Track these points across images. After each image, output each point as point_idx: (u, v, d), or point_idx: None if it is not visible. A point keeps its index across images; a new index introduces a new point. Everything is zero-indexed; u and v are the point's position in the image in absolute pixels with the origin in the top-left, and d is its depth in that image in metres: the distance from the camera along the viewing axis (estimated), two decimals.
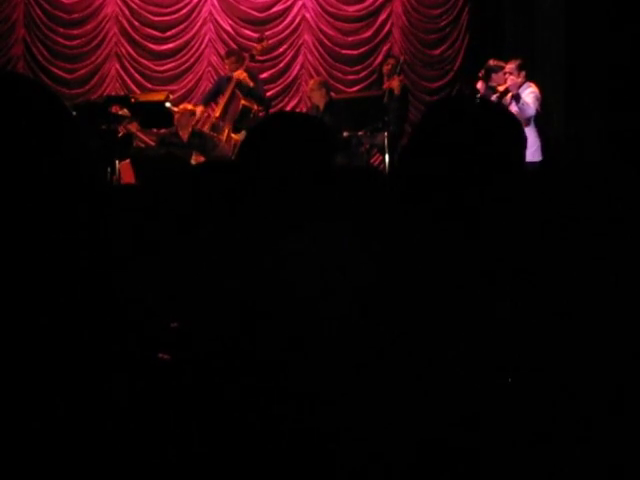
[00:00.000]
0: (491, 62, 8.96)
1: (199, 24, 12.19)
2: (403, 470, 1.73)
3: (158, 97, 9.04)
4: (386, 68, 10.57)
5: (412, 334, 1.78)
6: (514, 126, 2.01)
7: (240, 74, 9.88)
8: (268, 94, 11.28)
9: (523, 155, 2.03)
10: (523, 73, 8.61)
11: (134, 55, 12.16)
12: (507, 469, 1.76)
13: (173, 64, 12.20)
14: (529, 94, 8.42)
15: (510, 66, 8.64)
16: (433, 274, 1.81)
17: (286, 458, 1.79)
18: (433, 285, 1.81)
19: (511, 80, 8.50)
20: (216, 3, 12.13)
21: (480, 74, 8.94)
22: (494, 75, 8.78)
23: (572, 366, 1.80)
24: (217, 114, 9.96)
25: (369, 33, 12.33)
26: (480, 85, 8.93)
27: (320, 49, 12.32)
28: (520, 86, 8.49)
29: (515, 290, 1.85)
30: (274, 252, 1.98)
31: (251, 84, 9.89)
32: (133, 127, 9.20)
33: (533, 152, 8.20)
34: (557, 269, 1.87)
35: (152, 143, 10.40)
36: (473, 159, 1.88)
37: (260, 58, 10.95)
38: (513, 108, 8.05)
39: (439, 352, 1.76)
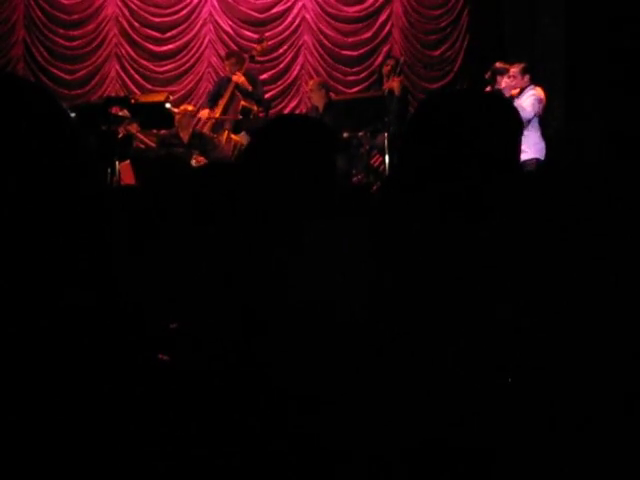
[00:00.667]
0: (497, 65, 8.97)
1: (199, 25, 12.20)
2: (403, 470, 1.74)
3: (158, 98, 9.03)
4: (386, 69, 10.56)
5: (413, 333, 1.78)
6: (508, 115, 2.00)
7: (238, 78, 9.87)
8: (268, 95, 11.28)
9: (517, 146, 2.01)
10: (527, 76, 8.64)
11: (134, 56, 12.16)
12: (507, 469, 1.76)
13: (173, 65, 12.20)
14: (529, 97, 8.45)
15: (514, 69, 8.67)
16: (432, 270, 1.81)
17: (286, 460, 1.79)
18: (433, 281, 1.81)
19: (505, 82, 8.54)
20: (216, 4, 12.14)
21: (486, 76, 8.95)
22: (499, 77, 8.80)
23: (572, 366, 1.80)
24: (217, 115, 9.96)
25: (369, 34, 12.33)
26: (489, 90, 8.94)
27: (320, 50, 12.33)
28: (523, 89, 8.53)
29: (515, 287, 1.85)
30: (275, 254, 1.98)
31: (250, 88, 9.88)
32: (133, 128, 9.20)
33: (538, 151, 8.25)
34: (557, 268, 1.87)
35: (152, 144, 10.41)
36: (468, 150, 1.87)
37: (260, 59, 10.96)
38: None
39: (439, 351, 1.77)
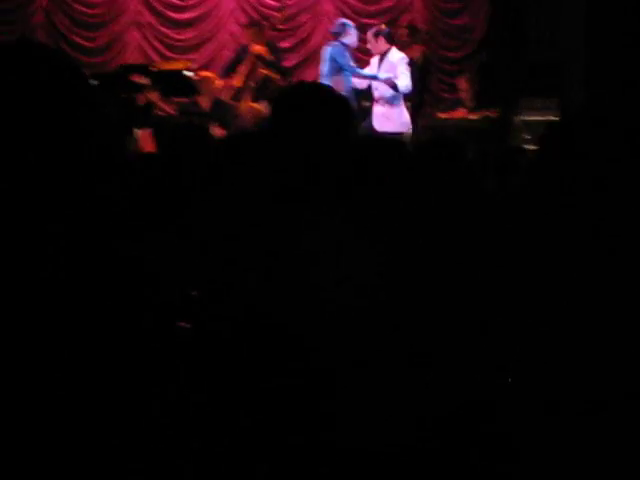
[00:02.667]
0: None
1: None
2: (402, 465, 1.75)
3: (178, 66, 9.03)
4: (400, 38, 10.47)
5: (414, 326, 1.79)
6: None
7: (259, 49, 9.82)
8: (289, 63, 11.23)
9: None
10: (381, 39, 8.76)
11: (155, 24, 12.12)
12: (507, 467, 1.77)
13: (194, 33, 12.16)
14: (403, 64, 8.79)
15: (369, 34, 9.04)
16: (435, 268, 1.82)
17: (304, 423, 1.81)
18: (436, 277, 1.81)
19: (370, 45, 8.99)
20: None
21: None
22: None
23: (572, 365, 1.80)
24: (238, 83, 9.93)
25: (390, 2, 12.24)
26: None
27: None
28: (385, 53, 8.83)
29: (516, 286, 1.85)
30: (294, 222, 1.99)
31: (271, 58, 9.83)
32: (154, 96, 9.19)
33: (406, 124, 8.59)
34: (558, 266, 1.87)
35: (173, 112, 10.40)
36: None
37: (281, 27, 10.90)
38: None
39: (440, 346, 1.78)
